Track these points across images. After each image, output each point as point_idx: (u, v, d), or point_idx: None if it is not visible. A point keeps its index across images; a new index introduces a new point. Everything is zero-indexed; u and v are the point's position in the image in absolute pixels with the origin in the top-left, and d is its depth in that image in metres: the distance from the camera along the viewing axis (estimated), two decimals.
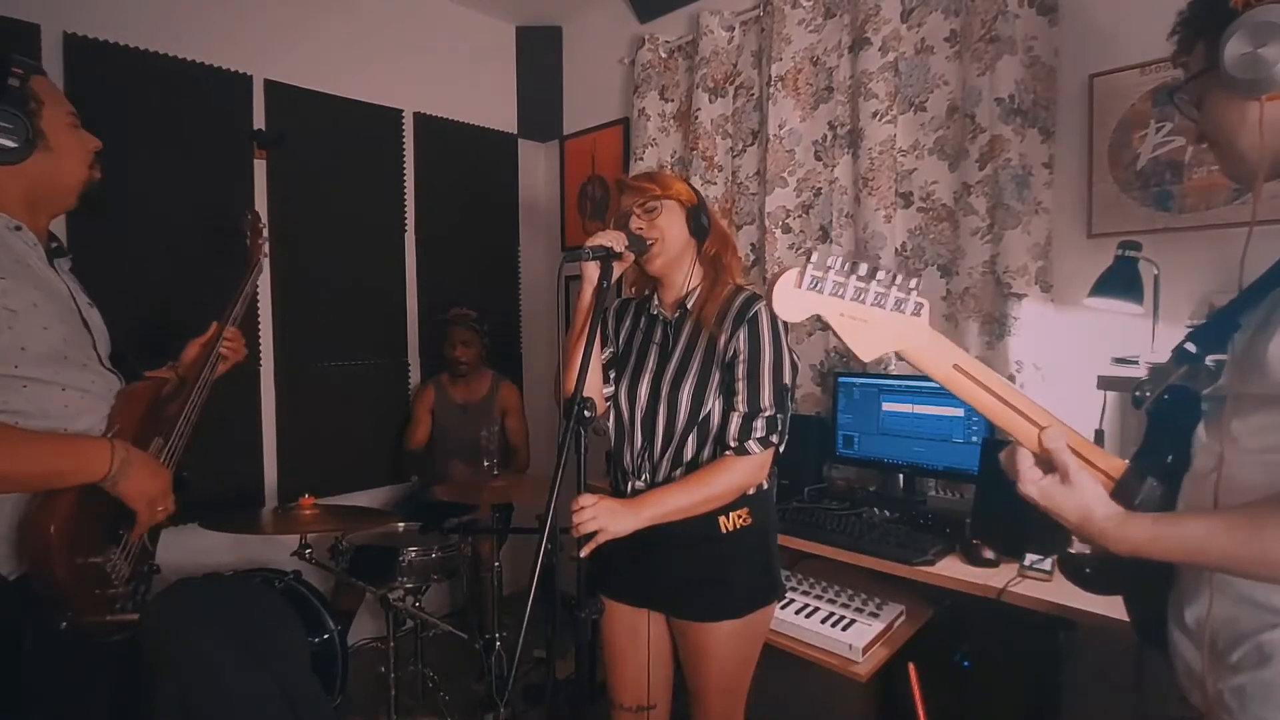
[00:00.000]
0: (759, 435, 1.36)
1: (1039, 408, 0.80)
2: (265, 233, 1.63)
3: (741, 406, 1.37)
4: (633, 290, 1.62)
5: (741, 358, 1.38)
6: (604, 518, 1.27)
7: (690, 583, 1.44)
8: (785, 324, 1.42)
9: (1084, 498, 0.77)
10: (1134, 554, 0.75)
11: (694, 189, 1.50)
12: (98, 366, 1.22)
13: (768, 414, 1.37)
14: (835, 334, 0.78)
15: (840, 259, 0.77)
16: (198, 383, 1.41)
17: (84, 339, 1.20)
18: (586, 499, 1.26)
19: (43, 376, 1.10)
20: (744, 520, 1.44)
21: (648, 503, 1.35)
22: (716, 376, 1.41)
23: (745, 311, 1.40)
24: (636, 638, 1.52)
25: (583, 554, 1.26)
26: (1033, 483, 0.79)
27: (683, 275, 1.49)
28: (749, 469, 1.38)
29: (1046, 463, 0.79)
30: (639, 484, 1.47)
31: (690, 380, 1.42)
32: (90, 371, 1.20)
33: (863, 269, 0.77)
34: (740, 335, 1.38)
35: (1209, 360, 0.83)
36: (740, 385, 1.38)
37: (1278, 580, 0.73)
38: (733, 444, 1.37)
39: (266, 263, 1.57)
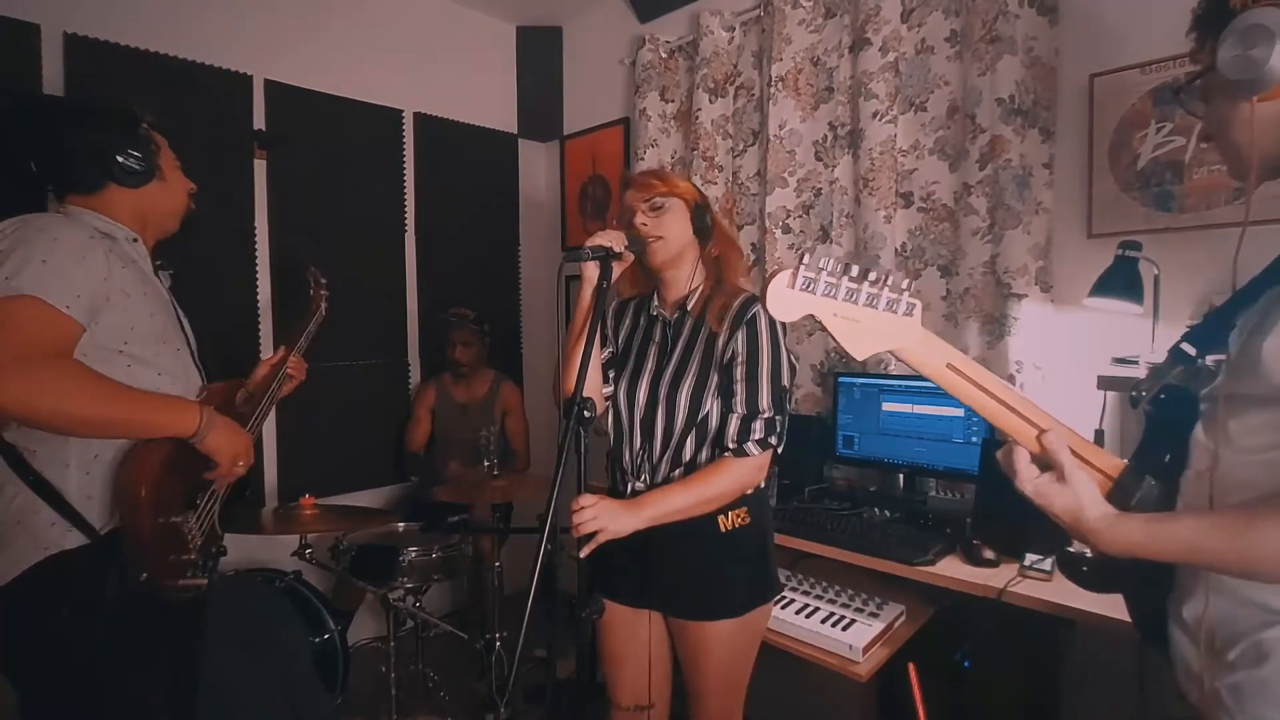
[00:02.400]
0: (757, 437, 1.37)
1: (1034, 406, 0.81)
2: (325, 286, 1.87)
3: (740, 408, 1.38)
4: (621, 290, 1.61)
5: (740, 359, 1.38)
6: (604, 518, 1.27)
7: (689, 581, 1.44)
8: (784, 324, 1.42)
9: (1078, 497, 0.77)
10: (1127, 554, 0.75)
11: (698, 189, 1.50)
12: (188, 359, 1.39)
13: (766, 416, 1.37)
14: (828, 334, 0.79)
15: (833, 260, 0.77)
16: (266, 395, 1.59)
17: (179, 333, 1.38)
18: (586, 499, 1.26)
19: (145, 356, 1.26)
20: (743, 520, 1.44)
21: (648, 503, 1.36)
22: (715, 378, 1.41)
23: (743, 313, 1.40)
24: (635, 638, 1.53)
25: (582, 554, 1.26)
26: (1029, 480, 0.80)
27: (685, 275, 1.49)
28: (747, 470, 1.39)
29: (1044, 461, 0.80)
30: (639, 485, 1.47)
31: (689, 381, 1.43)
32: (183, 361, 1.37)
33: (854, 270, 0.78)
34: (739, 337, 1.39)
35: (1209, 360, 0.83)
36: (738, 387, 1.38)
37: (1270, 580, 0.73)
38: (731, 445, 1.37)
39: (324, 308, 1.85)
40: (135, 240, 1.36)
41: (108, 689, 1.20)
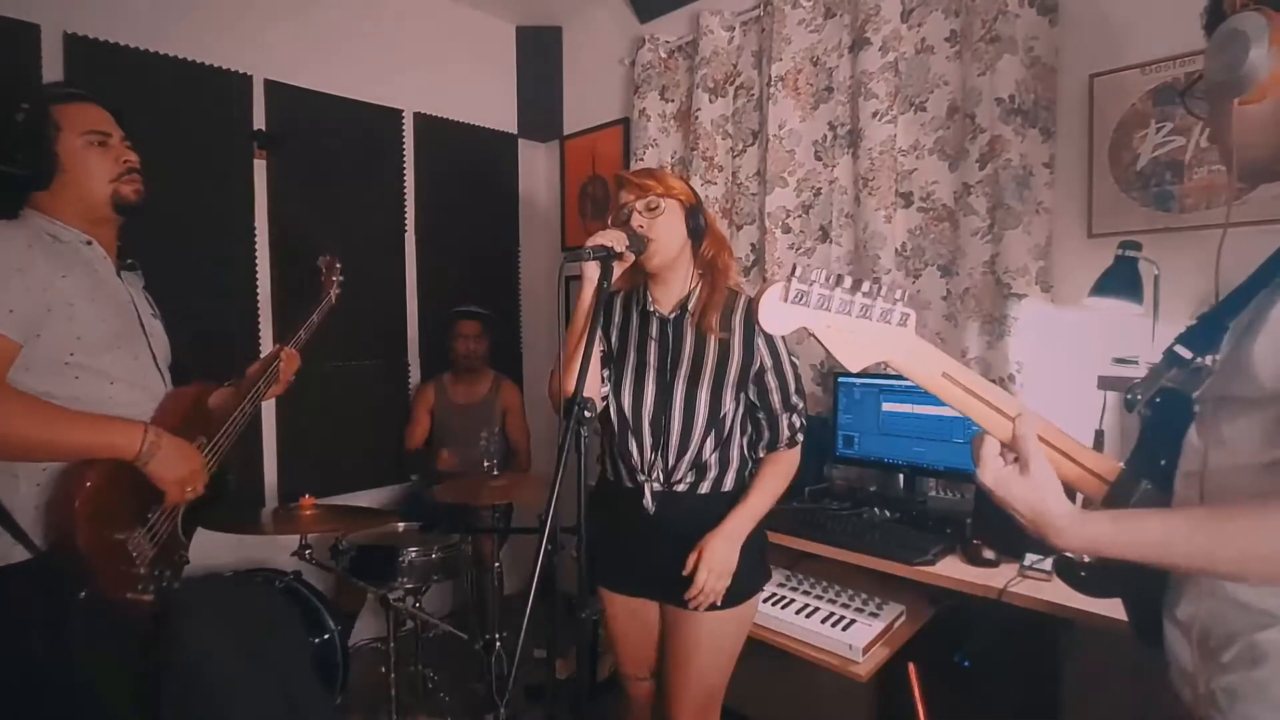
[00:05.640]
0: (799, 424, 1.51)
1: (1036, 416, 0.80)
2: (340, 274, 1.80)
3: (781, 407, 1.48)
4: (623, 284, 1.61)
5: (769, 366, 1.47)
6: (714, 581, 1.39)
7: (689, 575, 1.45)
8: None
9: (1040, 491, 0.76)
10: (1092, 553, 0.75)
11: (692, 189, 1.51)
12: (150, 365, 1.32)
13: (800, 407, 1.51)
14: (822, 346, 0.79)
15: (825, 272, 0.78)
16: (250, 393, 1.51)
17: (138, 338, 1.30)
18: (698, 580, 1.38)
19: (95, 365, 1.20)
20: None
21: (738, 527, 1.44)
22: (731, 377, 1.45)
23: (753, 318, 1.45)
24: (637, 619, 1.57)
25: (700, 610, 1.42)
26: (992, 471, 0.78)
27: (680, 277, 1.50)
28: (795, 459, 1.54)
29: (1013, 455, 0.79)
30: (655, 485, 1.48)
31: (707, 380, 1.45)
32: (142, 367, 1.29)
33: (847, 282, 0.78)
34: (759, 344, 1.46)
35: (1207, 361, 0.83)
36: (774, 394, 1.48)
37: (1238, 579, 0.73)
38: (785, 442, 1.50)
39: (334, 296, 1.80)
40: (90, 243, 1.27)
41: (48, 706, 1.14)
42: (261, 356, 1.64)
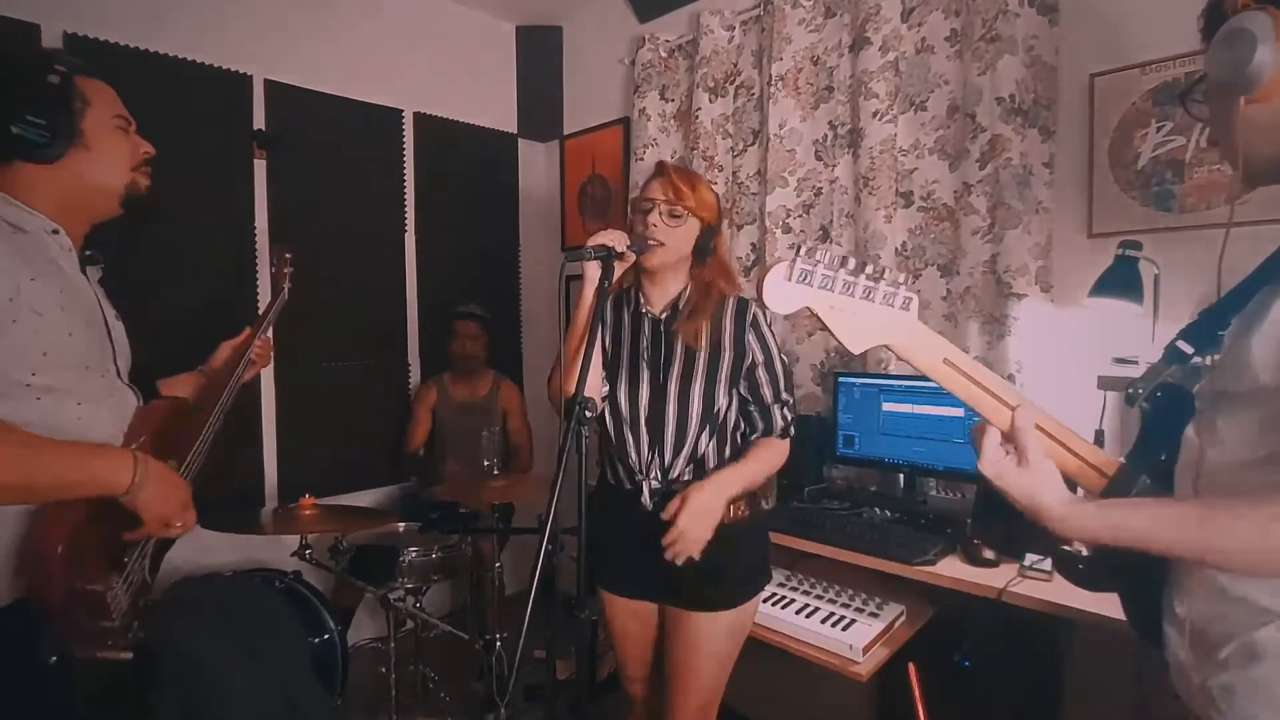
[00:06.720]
0: (790, 418, 1.52)
1: (1035, 407, 0.80)
2: (290, 265, 1.75)
3: (772, 400, 1.50)
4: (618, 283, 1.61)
5: (760, 361, 1.49)
6: (695, 529, 1.34)
7: (691, 575, 1.44)
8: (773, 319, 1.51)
9: (1038, 482, 0.77)
10: (1087, 541, 0.76)
11: (719, 208, 1.53)
12: (116, 381, 1.18)
13: (789, 401, 1.52)
14: (824, 325, 0.80)
15: (829, 253, 0.78)
16: (228, 384, 1.44)
17: (105, 350, 1.16)
18: (678, 524, 1.34)
19: (60, 385, 1.04)
20: (741, 511, 1.49)
21: (726, 482, 1.42)
22: (724, 373, 1.47)
23: (744, 315, 1.48)
24: (638, 620, 1.57)
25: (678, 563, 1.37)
26: (991, 461, 0.80)
27: (676, 278, 1.52)
28: (786, 451, 1.54)
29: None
30: (654, 484, 1.48)
31: (700, 378, 1.46)
32: (108, 384, 1.15)
33: (851, 263, 0.78)
34: (750, 340, 1.48)
35: (1207, 361, 0.83)
36: (765, 388, 1.50)
37: (1222, 569, 0.74)
38: (778, 433, 1.51)
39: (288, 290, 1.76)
40: (56, 232, 1.10)
41: None
42: (227, 341, 1.57)
